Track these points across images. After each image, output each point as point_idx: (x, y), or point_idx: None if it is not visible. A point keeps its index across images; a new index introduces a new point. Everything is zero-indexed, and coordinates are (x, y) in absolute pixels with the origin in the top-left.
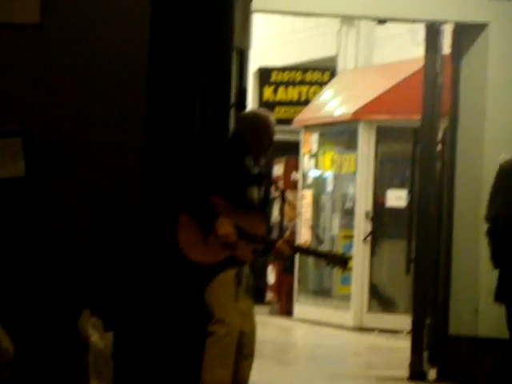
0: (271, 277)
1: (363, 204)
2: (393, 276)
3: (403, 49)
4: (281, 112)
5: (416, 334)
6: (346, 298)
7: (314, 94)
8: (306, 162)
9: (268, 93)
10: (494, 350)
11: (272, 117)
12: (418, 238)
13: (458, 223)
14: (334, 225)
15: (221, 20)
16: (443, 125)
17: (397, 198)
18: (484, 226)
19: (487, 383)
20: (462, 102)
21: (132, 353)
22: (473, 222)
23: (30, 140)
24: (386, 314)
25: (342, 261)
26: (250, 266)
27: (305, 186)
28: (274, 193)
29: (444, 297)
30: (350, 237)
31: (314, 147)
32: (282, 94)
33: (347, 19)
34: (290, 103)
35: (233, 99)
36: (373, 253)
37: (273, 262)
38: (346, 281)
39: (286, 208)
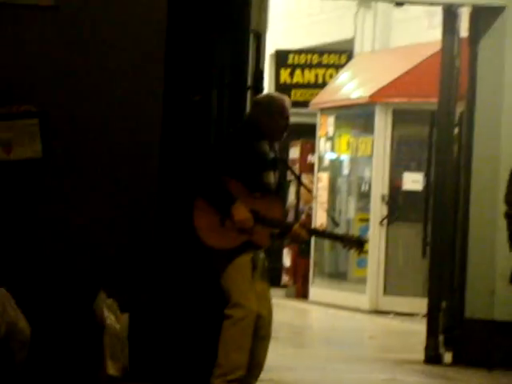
0: (287, 260)
1: (379, 187)
2: (409, 259)
3: (420, 32)
4: (297, 95)
5: (432, 317)
6: (362, 280)
7: (331, 76)
8: (322, 144)
9: (284, 75)
10: (510, 333)
11: (288, 100)
12: (435, 221)
13: (475, 206)
14: (349, 208)
15: (237, 3)
16: (460, 108)
17: (413, 181)
18: (501, 209)
19: (503, 366)
20: (479, 84)
21: (148, 334)
22: (489, 205)
23: (46, 122)
24: (402, 297)
25: (358, 243)
26: (266, 249)
27: (321, 169)
28: (290, 176)
29: (460, 280)
30: (366, 220)
31: (331, 130)
32: (298, 77)
33: (364, 1)
34: (307, 86)
35: (249, 82)
36: (389, 236)
37: (289, 245)
38: (362, 264)
39: (302, 191)
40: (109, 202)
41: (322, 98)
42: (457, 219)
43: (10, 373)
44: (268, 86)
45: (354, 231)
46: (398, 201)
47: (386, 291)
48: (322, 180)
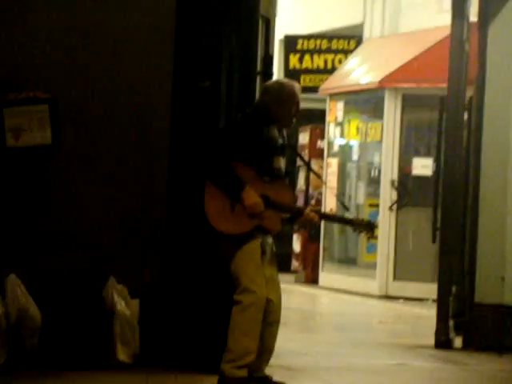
0: (297, 245)
1: (389, 172)
2: (418, 244)
3: (430, 16)
4: (306, 80)
5: (442, 302)
6: (372, 266)
7: (340, 62)
8: (331, 130)
9: (294, 61)
10: None
11: (298, 86)
12: (444, 206)
13: (484, 191)
14: (359, 193)
15: None
16: (469, 92)
17: (423, 166)
18: (510, 194)
19: None
20: (489, 69)
21: (158, 320)
22: (499, 189)
23: (56, 108)
24: (412, 282)
25: (368, 227)
26: (276, 234)
27: (330, 155)
28: (299, 162)
29: (470, 265)
30: (376, 205)
31: (340, 115)
32: (307, 62)
33: None
34: (316, 71)
35: (259, 67)
36: (398, 221)
37: (298, 231)
38: (372, 249)
39: (312, 177)
40: (118, 188)
41: (332, 83)
42: (466, 204)
43: (20, 359)
44: (277, 72)
45: (364, 217)
46: (407, 186)
47: (395, 276)
48: (331, 165)
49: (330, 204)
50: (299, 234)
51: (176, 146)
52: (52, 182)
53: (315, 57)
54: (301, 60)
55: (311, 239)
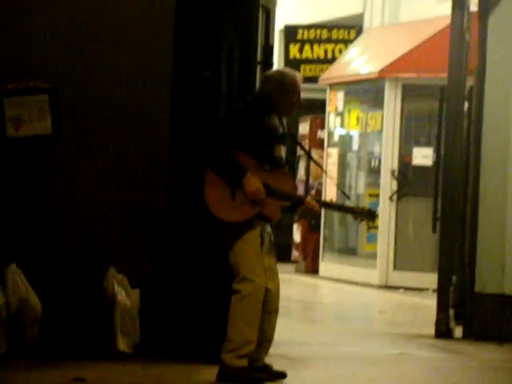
0: (297, 235)
1: (389, 162)
2: (419, 234)
3: (430, 6)
4: (306, 70)
5: (442, 291)
6: (372, 256)
7: (340, 51)
8: (331, 120)
9: (294, 51)
10: None
11: (299, 76)
12: (445, 196)
13: (485, 181)
14: (359, 183)
15: None
16: (470, 82)
17: (423, 156)
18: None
19: None
20: (489, 59)
21: (158, 310)
22: (499, 179)
23: (56, 98)
24: (412, 272)
25: (369, 215)
26: (276, 224)
27: (330, 145)
28: (300, 152)
29: (470, 254)
30: (376, 195)
31: (340, 105)
32: (307, 52)
33: None
34: (316, 61)
35: (259, 57)
36: (398, 211)
37: (299, 221)
38: (372, 239)
39: (312, 167)
40: (119, 178)
41: (332, 73)
42: (467, 194)
43: (21, 349)
44: (277, 62)
45: (366, 206)
46: (407, 176)
47: (396, 266)
48: (331, 155)
49: (330, 194)
50: (299, 224)
51: (176, 135)
52: (52, 172)
53: (315, 47)
54: (301, 50)
55: (311, 229)
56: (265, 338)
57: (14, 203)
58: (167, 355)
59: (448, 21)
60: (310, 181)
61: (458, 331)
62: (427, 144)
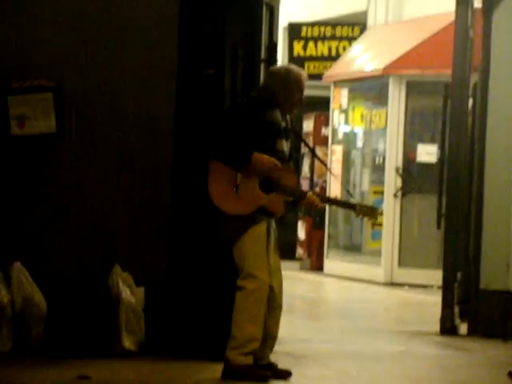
0: (301, 232)
1: (393, 159)
2: (423, 231)
3: (434, 3)
4: (310, 67)
5: (447, 288)
6: (377, 253)
7: (344, 49)
8: (335, 117)
9: (298, 48)
10: None
11: (305, 74)
12: (449, 192)
13: (489, 177)
14: (364, 180)
15: None
16: (474, 79)
17: (427, 153)
18: None
19: None
20: (493, 55)
21: (163, 308)
22: (504, 176)
23: (60, 96)
24: (417, 269)
25: (371, 211)
26: (279, 220)
27: (335, 142)
28: (304, 149)
29: (475, 251)
30: (381, 192)
31: (344, 102)
32: (311, 50)
33: None
34: (320, 58)
35: (263, 55)
36: (403, 208)
37: (303, 218)
38: (377, 236)
39: (316, 164)
40: (123, 176)
41: (336, 70)
42: (471, 190)
43: (26, 347)
44: (281, 59)
45: (369, 203)
46: (412, 173)
47: (400, 263)
48: (335, 153)
49: (334, 191)
50: (304, 222)
51: (180, 133)
52: (57, 170)
53: (319, 44)
54: (305, 47)
55: (316, 226)
56: (269, 335)
57: (18, 201)
58: (172, 353)
59: (452, 17)
60: (315, 178)
61: (463, 328)
62: (432, 141)
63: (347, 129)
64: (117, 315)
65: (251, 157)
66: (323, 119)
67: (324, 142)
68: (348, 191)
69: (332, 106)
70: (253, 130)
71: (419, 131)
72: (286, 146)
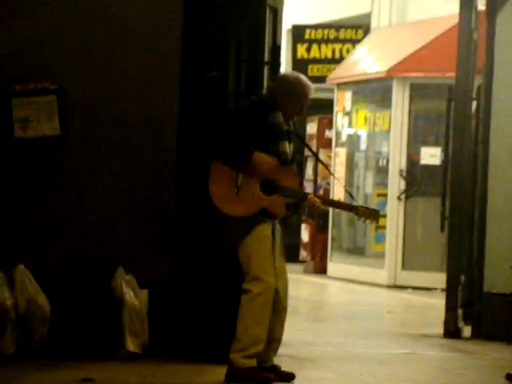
0: (305, 235)
1: (397, 162)
2: (427, 233)
3: (437, 5)
4: (314, 70)
5: (450, 291)
6: (380, 255)
7: (348, 51)
8: (339, 120)
9: (301, 50)
10: None
11: (311, 88)
12: (453, 195)
13: (493, 180)
14: (367, 183)
15: None
16: (478, 82)
17: (431, 155)
18: None
19: None
20: (497, 58)
21: (167, 310)
22: (507, 178)
23: (63, 99)
24: (420, 272)
25: (372, 213)
26: (283, 222)
27: (338, 145)
28: (307, 152)
29: (479, 254)
30: (384, 195)
31: (348, 105)
32: (315, 52)
33: None
34: (324, 61)
35: (266, 57)
36: (407, 211)
37: (307, 221)
38: (380, 239)
39: (320, 167)
40: (127, 178)
41: (339, 73)
42: (475, 193)
43: (30, 349)
44: (285, 62)
45: (372, 206)
46: (415, 175)
47: (404, 266)
48: (339, 155)
49: (338, 194)
50: (307, 224)
51: (184, 135)
52: (60, 172)
53: (323, 46)
54: (308, 50)
55: (319, 229)
56: (274, 338)
57: (21, 204)
58: (176, 355)
59: (456, 20)
60: (318, 180)
61: (467, 331)
62: (435, 143)
63: (351, 131)
64: (120, 318)
65: (252, 156)
66: (327, 122)
67: (327, 144)
68: (350, 193)
69: (336, 108)
70: (255, 132)
71: (423, 134)
72: (288, 147)
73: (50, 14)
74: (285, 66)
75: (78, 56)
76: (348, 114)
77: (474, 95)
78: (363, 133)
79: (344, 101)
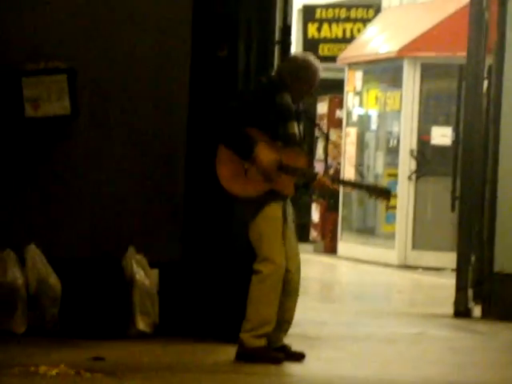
0: (315, 215)
1: (408, 142)
2: (437, 213)
3: None
4: (325, 49)
5: (461, 271)
6: (391, 235)
7: (359, 31)
8: (350, 99)
9: (312, 30)
10: None
11: (319, 68)
12: (463, 175)
13: (504, 159)
14: (378, 163)
15: None
16: (489, 61)
17: (442, 135)
18: None
19: None
20: (508, 37)
21: (177, 290)
22: None
23: (74, 78)
24: (431, 252)
25: (384, 192)
26: (295, 203)
27: (349, 124)
28: (318, 132)
29: (489, 234)
30: (395, 175)
31: (359, 85)
32: (326, 32)
33: None
34: (334, 40)
35: (277, 37)
36: (417, 191)
37: (317, 200)
38: (391, 219)
39: (330, 147)
40: (138, 158)
41: (350, 52)
42: (486, 172)
43: (41, 328)
44: (295, 41)
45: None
46: (426, 155)
47: (414, 246)
48: (350, 135)
49: (348, 174)
50: (318, 204)
51: (194, 115)
52: (71, 151)
53: (334, 26)
54: (319, 29)
55: (330, 209)
56: (284, 319)
57: (32, 183)
58: (186, 335)
59: None
60: (329, 160)
61: (477, 311)
62: (446, 123)
63: (361, 111)
64: (131, 297)
65: (252, 152)
66: (337, 102)
67: (338, 124)
68: (360, 172)
69: (346, 88)
70: (263, 114)
71: (434, 113)
72: (296, 128)
73: None
74: (295, 46)
75: (89, 36)
76: (359, 93)
77: (485, 75)
78: (374, 113)
79: (355, 80)
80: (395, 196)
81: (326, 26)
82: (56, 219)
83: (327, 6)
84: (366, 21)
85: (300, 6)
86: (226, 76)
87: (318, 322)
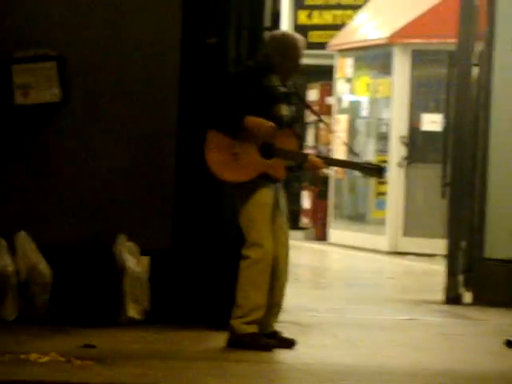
0: (306, 202)
1: (398, 128)
2: (428, 200)
3: None
4: (315, 36)
5: (451, 257)
6: (381, 222)
7: (349, 17)
8: (340, 86)
9: (302, 17)
10: None
11: (302, 40)
12: (454, 161)
13: (494, 146)
14: (368, 150)
15: None
16: (479, 47)
17: (432, 121)
18: None
19: None
20: (498, 23)
21: (168, 277)
22: (508, 144)
23: (64, 65)
24: (421, 238)
25: (376, 170)
26: (286, 188)
27: (340, 111)
28: (309, 116)
29: (479, 220)
30: (385, 161)
31: (349, 72)
32: (316, 18)
33: None
34: (325, 27)
35: (267, 23)
36: (408, 177)
37: (308, 188)
38: (381, 205)
39: (321, 133)
40: (127, 145)
41: (340, 39)
42: (476, 159)
43: (31, 315)
44: (286, 28)
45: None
46: (416, 142)
47: (405, 232)
48: (340, 122)
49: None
50: (309, 191)
51: (185, 101)
52: (61, 139)
53: (324, 13)
54: (309, 16)
55: (321, 196)
56: (274, 302)
57: (22, 170)
58: (177, 321)
59: None
60: (320, 147)
61: (468, 297)
62: (436, 110)
63: (352, 98)
64: (121, 284)
65: (243, 121)
66: (328, 88)
67: (329, 111)
68: (351, 150)
69: (337, 75)
70: (251, 97)
71: (424, 100)
72: (287, 111)
73: None
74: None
75: (78, 23)
76: (349, 80)
77: (476, 61)
78: (364, 99)
79: (345, 67)
80: (386, 182)
81: (316, 13)
82: (46, 207)
83: None
84: (356, 7)
85: None
86: (216, 63)
87: (309, 308)
